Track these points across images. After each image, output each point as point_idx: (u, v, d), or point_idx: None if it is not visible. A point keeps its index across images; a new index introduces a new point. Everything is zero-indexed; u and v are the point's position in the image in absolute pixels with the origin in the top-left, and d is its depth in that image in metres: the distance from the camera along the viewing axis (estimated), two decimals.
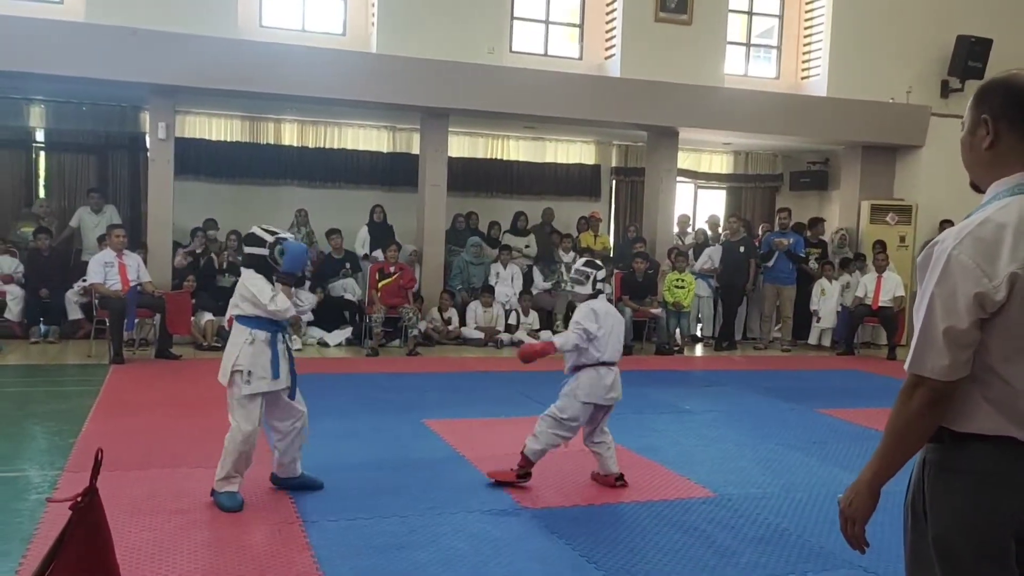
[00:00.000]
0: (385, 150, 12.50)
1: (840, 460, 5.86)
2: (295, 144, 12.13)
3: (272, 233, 4.56)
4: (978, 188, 2.01)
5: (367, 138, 12.43)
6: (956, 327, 1.81)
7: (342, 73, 9.97)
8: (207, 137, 11.73)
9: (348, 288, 10.60)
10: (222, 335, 9.52)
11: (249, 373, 4.36)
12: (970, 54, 12.14)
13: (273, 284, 4.46)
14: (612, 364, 4.97)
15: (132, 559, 3.67)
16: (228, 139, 11.84)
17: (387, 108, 10.79)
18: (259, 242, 4.53)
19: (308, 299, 4.78)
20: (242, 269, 4.61)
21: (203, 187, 11.54)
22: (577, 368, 4.96)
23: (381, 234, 11.15)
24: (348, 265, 10.79)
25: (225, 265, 10.30)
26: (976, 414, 1.87)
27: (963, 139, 2.03)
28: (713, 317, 11.83)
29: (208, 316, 9.54)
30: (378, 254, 10.83)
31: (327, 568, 3.66)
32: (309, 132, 12.17)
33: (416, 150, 11.70)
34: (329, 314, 10.27)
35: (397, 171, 12.27)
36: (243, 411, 4.37)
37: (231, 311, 4.55)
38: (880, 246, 11.46)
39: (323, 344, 10.10)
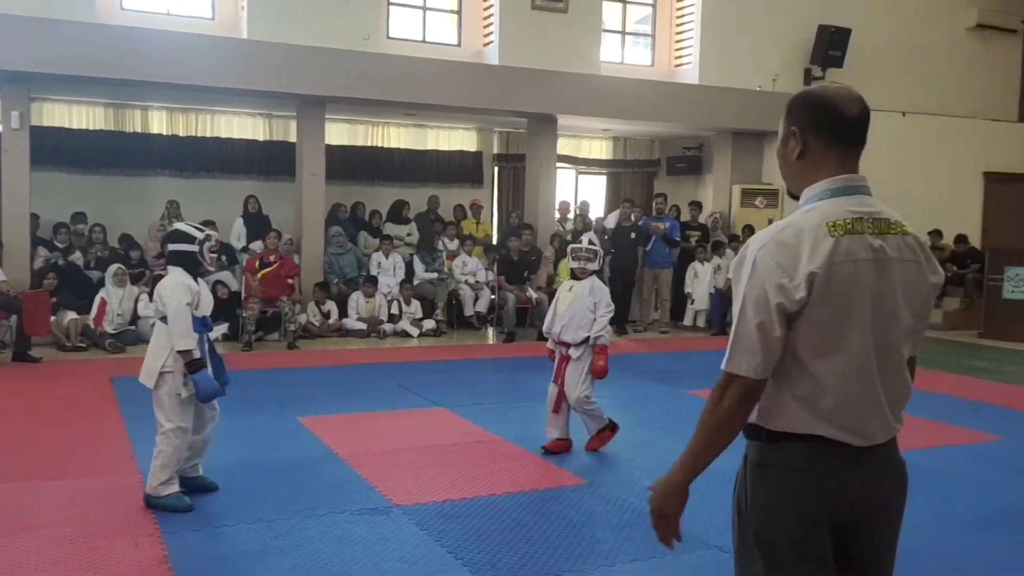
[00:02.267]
0: (261, 138, 12.14)
1: None
2: (164, 132, 11.62)
3: (200, 229, 4.64)
4: (795, 196, 2.12)
5: (242, 126, 12.04)
6: (765, 323, 1.91)
7: (211, 59, 9.63)
8: (67, 125, 11.11)
9: (225, 280, 10.29)
10: (87, 334, 9.13)
11: (185, 375, 4.34)
12: (831, 43, 12.74)
13: (198, 281, 4.55)
14: None
15: None
16: (90, 127, 11.23)
17: (261, 96, 10.50)
18: (187, 238, 4.57)
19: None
20: (169, 268, 4.59)
21: (64, 179, 10.94)
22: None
23: (257, 225, 10.87)
24: (224, 258, 10.46)
25: (93, 262, 9.84)
26: (786, 412, 1.98)
27: (777, 151, 2.14)
28: None
29: (72, 315, 9.10)
30: (256, 246, 10.56)
31: None
32: (179, 120, 11.68)
33: (293, 138, 11.42)
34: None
35: (274, 160, 11.96)
36: (179, 411, 4.37)
37: (154, 309, 4.53)
38: (749, 230, 11.88)
39: None
